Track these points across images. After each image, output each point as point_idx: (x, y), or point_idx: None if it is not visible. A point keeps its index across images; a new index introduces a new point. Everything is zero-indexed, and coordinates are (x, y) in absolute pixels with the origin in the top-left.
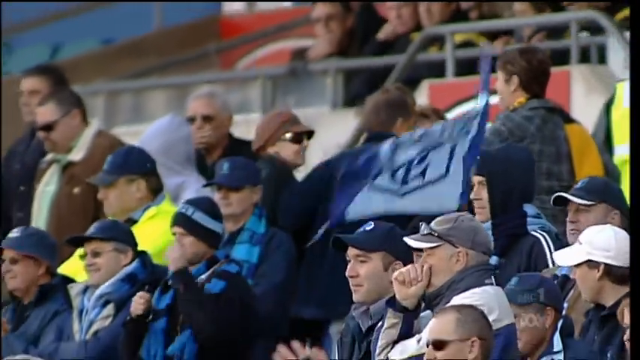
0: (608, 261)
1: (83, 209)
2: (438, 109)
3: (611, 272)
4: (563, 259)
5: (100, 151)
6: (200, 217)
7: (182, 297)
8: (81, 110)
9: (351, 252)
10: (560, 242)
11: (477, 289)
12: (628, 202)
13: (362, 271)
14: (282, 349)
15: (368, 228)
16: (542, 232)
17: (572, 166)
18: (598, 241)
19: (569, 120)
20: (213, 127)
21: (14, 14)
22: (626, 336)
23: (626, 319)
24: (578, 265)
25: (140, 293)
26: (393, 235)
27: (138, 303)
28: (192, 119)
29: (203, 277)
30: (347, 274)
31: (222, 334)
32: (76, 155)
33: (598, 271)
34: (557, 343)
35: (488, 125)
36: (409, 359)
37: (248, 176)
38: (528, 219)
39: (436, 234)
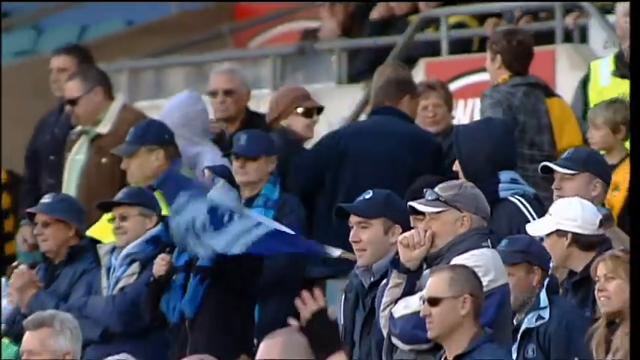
0: (576, 230)
1: (111, 178)
2: (443, 82)
3: (578, 240)
4: (535, 229)
5: (126, 124)
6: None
7: None
8: (104, 87)
9: (354, 219)
10: (542, 205)
11: (475, 251)
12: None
13: (364, 236)
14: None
15: (367, 196)
16: (517, 197)
17: (553, 136)
18: (566, 212)
19: (549, 94)
20: (233, 100)
21: None
22: (597, 286)
23: (599, 272)
24: (548, 235)
25: (162, 255)
26: (391, 202)
27: (160, 265)
28: (214, 93)
29: None
30: (350, 239)
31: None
32: (104, 128)
33: (566, 239)
34: (544, 300)
35: (481, 104)
36: (412, 314)
37: (264, 147)
38: (502, 185)
39: (443, 199)
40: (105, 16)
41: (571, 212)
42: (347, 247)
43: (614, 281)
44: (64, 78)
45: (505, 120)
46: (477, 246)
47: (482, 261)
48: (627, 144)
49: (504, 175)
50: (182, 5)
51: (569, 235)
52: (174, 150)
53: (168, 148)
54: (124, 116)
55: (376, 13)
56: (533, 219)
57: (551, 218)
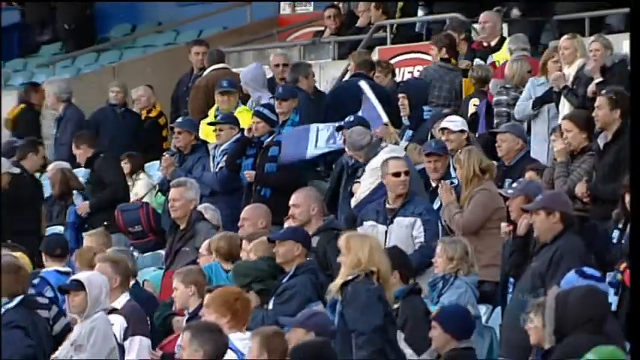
0: (467, 128)
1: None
2: (385, 62)
3: (468, 138)
4: (448, 125)
5: (214, 77)
6: (263, 110)
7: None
8: (209, 60)
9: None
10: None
11: (388, 147)
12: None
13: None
14: None
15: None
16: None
17: None
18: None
19: None
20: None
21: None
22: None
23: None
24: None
25: (248, 172)
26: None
27: (249, 174)
28: (277, 65)
29: (267, 140)
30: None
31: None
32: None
33: (464, 134)
34: (452, 172)
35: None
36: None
37: (290, 92)
38: (425, 114)
39: None
40: (212, 24)
41: (461, 120)
42: None
43: (460, 170)
44: (199, 58)
45: (427, 81)
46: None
47: (395, 152)
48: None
49: (426, 108)
50: (252, 17)
51: (466, 134)
52: (242, 93)
53: (240, 92)
54: (211, 74)
55: (360, 23)
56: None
57: (459, 123)
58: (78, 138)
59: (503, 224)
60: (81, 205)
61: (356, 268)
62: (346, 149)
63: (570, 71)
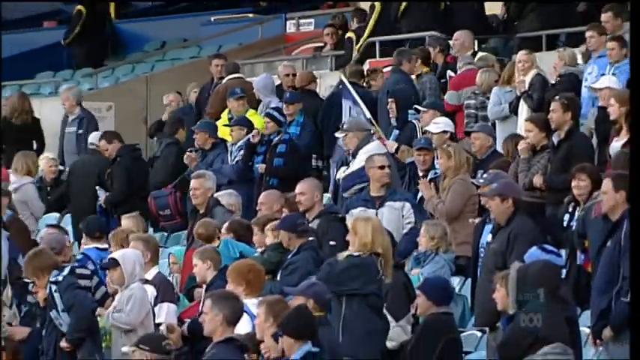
0: (449, 129)
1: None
2: (376, 69)
3: (452, 136)
4: (432, 128)
5: (230, 85)
6: (273, 112)
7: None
8: (226, 70)
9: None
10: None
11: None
12: None
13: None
14: None
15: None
16: (414, 121)
17: None
18: (444, 123)
19: None
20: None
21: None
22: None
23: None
24: (439, 133)
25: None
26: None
27: (261, 168)
28: (287, 75)
29: (276, 139)
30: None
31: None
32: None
33: (447, 134)
34: (437, 165)
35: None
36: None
37: (296, 97)
38: (410, 117)
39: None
40: (229, 40)
41: (445, 124)
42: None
43: (448, 161)
44: (218, 69)
45: (410, 87)
46: (370, 141)
47: (379, 149)
48: None
49: (411, 112)
50: (263, 35)
51: (448, 134)
52: (255, 99)
53: (252, 98)
54: (227, 83)
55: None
56: (420, 128)
57: (441, 125)
58: (110, 134)
59: (474, 220)
60: (101, 198)
61: (360, 250)
62: (345, 127)
63: (526, 79)
